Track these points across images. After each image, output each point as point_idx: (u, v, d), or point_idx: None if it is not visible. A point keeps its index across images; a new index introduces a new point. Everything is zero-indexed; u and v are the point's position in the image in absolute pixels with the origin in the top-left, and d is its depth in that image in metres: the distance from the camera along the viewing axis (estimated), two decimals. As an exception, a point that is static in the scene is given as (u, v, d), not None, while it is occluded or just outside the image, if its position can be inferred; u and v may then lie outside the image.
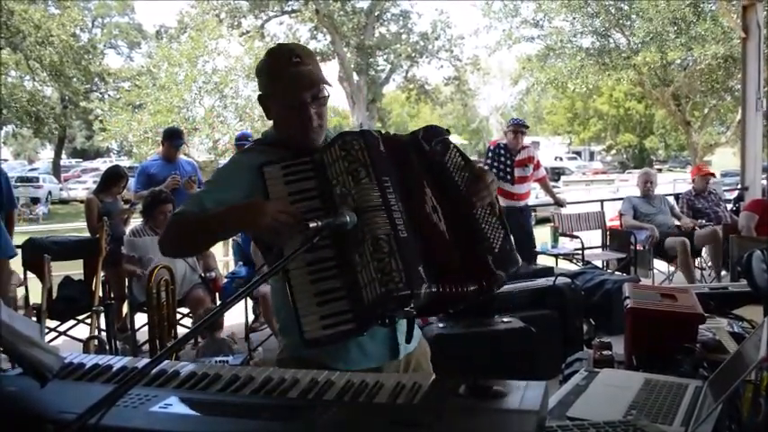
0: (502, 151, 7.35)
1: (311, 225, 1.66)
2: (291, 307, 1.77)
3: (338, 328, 1.73)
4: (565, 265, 7.53)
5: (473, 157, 2.01)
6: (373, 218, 1.73)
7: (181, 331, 5.00)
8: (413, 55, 29.14)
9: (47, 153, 41.42)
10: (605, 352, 2.87)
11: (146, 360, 1.83)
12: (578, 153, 41.18)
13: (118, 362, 1.75)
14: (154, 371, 1.57)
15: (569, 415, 1.86)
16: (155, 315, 4.12)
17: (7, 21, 23.14)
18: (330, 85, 1.97)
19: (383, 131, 1.95)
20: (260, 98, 2.02)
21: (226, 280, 5.86)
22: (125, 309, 5.95)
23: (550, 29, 20.52)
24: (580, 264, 7.40)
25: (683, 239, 7.37)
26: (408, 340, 1.93)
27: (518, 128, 7.40)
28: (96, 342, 4.61)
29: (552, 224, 8.06)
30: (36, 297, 5.42)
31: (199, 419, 1.38)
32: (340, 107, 32.07)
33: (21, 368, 1.64)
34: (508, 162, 7.30)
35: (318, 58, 2.11)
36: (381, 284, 1.67)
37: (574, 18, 20.01)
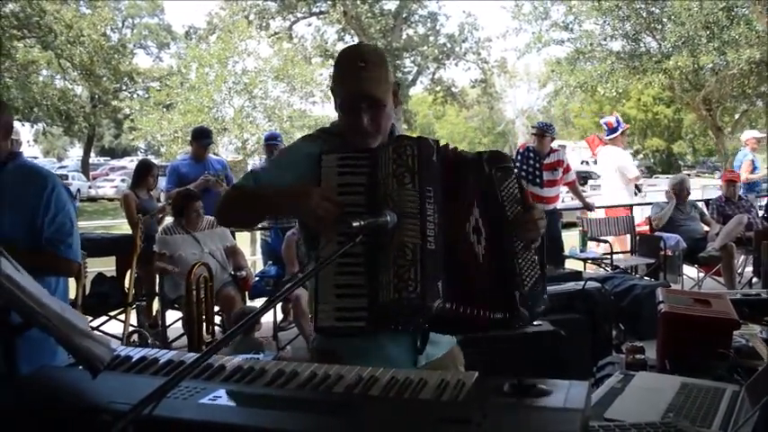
0: (531, 154, 7.35)
1: (354, 224, 1.69)
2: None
3: (350, 322, 1.78)
4: (592, 270, 7.49)
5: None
6: (406, 224, 1.75)
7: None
8: (440, 57, 29.14)
9: (76, 151, 42.01)
10: (638, 356, 2.87)
11: (189, 354, 1.87)
12: (605, 157, 40.76)
13: (163, 355, 1.80)
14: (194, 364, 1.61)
15: (607, 416, 1.87)
16: (193, 311, 4.17)
17: (39, 20, 23.49)
18: (390, 103, 1.98)
19: (443, 142, 1.95)
20: (331, 90, 2.05)
21: (256, 279, 5.92)
22: (155, 305, 6.04)
23: (580, 32, 20.38)
24: (608, 268, 7.35)
25: (729, 243, 7.29)
26: (421, 351, 1.95)
27: (543, 131, 7.39)
28: (137, 336, 4.66)
29: (581, 228, 8.02)
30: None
31: (248, 412, 1.41)
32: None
33: (73, 358, 1.69)
34: (537, 165, 7.29)
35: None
36: (396, 290, 1.70)
37: (604, 21, 19.87)
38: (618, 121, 8.49)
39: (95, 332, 1.63)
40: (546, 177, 7.29)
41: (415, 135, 2.00)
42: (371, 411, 1.40)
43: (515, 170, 2.02)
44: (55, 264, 2.57)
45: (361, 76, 1.92)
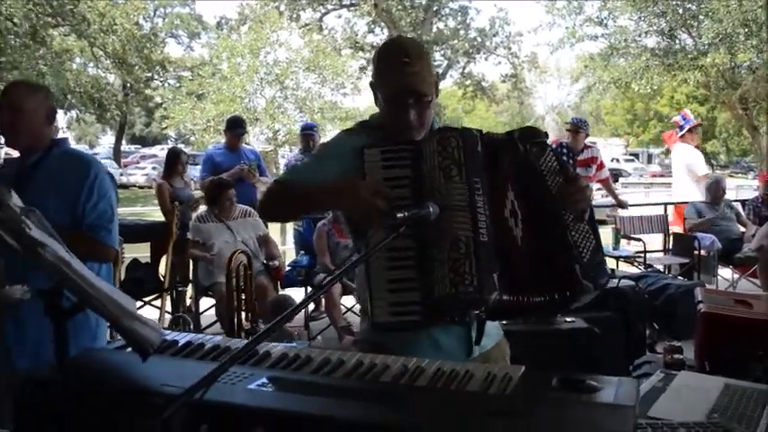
0: (564, 150, 7.26)
1: (398, 215, 1.69)
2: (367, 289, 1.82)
3: (405, 317, 1.78)
4: (624, 268, 7.41)
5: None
6: (457, 217, 1.75)
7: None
8: (470, 51, 28.98)
9: (107, 139, 42.50)
10: (676, 355, 2.84)
11: (233, 340, 1.89)
12: (635, 155, 40.30)
13: (209, 341, 1.82)
14: (245, 350, 1.62)
15: (650, 415, 1.85)
16: (232, 298, 4.21)
17: (73, 8, 23.73)
18: (434, 95, 1.97)
19: (482, 130, 1.92)
20: (371, 84, 2.04)
21: (288, 268, 5.96)
22: (188, 292, 6.11)
23: (615, 27, 20.10)
24: (641, 267, 7.27)
25: (766, 244, 7.16)
26: (477, 342, 1.95)
27: (577, 127, 7.30)
28: (181, 321, 4.70)
29: (614, 226, 7.94)
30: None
31: (295, 398, 1.42)
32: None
33: (124, 341, 1.71)
34: (570, 162, 7.21)
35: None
36: (452, 284, 1.70)
37: (639, 17, 19.58)
38: (684, 119, 8.31)
39: (144, 316, 1.65)
40: (580, 174, 7.21)
41: (483, 131, 1.94)
42: (418, 401, 1.40)
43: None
44: (94, 249, 2.60)
45: (407, 72, 1.90)
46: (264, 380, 1.49)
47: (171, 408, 1.20)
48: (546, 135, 1.98)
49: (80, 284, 1.52)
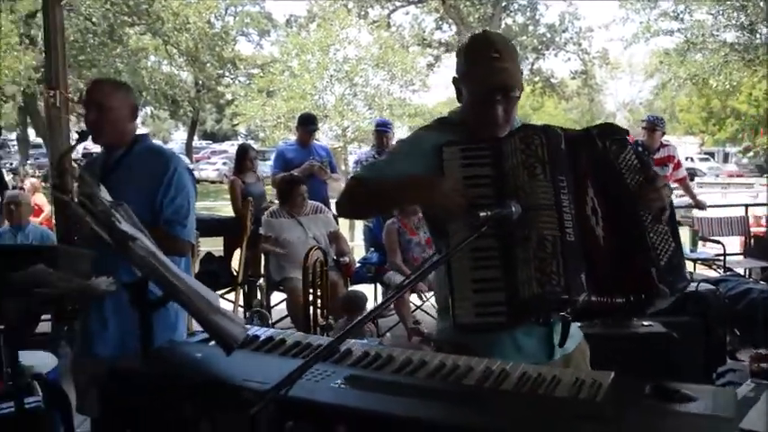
0: (639, 149, 7.07)
1: (481, 214, 1.66)
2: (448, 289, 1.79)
3: (489, 318, 1.75)
4: (702, 271, 7.16)
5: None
6: (542, 216, 1.72)
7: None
8: (539, 47, 28.51)
9: (179, 134, 43.58)
10: (763, 364, 2.72)
11: (313, 337, 1.90)
12: (711, 154, 38.95)
13: (289, 336, 1.83)
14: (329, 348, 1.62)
15: (743, 427, 1.77)
16: (308, 294, 4.25)
17: (148, 7, 24.44)
18: (521, 90, 1.93)
19: (562, 127, 1.89)
20: (454, 80, 2.01)
21: (357, 265, 5.97)
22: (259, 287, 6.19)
23: (691, 22, 19.47)
24: (720, 270, 7.01)
25: None
26: (561, 344, 1.89)
27: (653, 125, 7.08)
28: (259, 316, 4.77)
29: (691, 227, 7.68)
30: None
31: (378, 398, 1.41)
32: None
33: (208, 335, 1.74)
34: (645, 161, 7.02)
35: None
36: (539, 285, 1.67)
37: (718, 11, 18.91)
38: None
39: (229, 310, 1.67)
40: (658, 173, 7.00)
41: (564, 129, 1.90)
42: (505, 405, 1.38)
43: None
44: (170, 243, 2.61)
45: (496, 68, 1.87)
46: (347, 378, 1.49)
47: (260, 403, 1.21)
48: (626, 132, 1.93)
49: (168, 278, 1.54)
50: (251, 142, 20.83)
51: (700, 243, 7.74)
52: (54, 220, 7.01)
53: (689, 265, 7.11)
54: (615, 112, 40.87)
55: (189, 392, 1.56)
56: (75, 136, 3.26)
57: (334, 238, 5.70)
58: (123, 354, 2.56)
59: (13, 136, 33.03)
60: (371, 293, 5.75)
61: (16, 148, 31.23)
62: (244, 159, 6.56)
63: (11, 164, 24.92)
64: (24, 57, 21.45)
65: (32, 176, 15.77)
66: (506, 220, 1.71)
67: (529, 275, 1.68)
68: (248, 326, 1.88)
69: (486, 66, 1.87)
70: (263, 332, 1.85)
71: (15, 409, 2.66)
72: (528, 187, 1.75)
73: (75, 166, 3.66)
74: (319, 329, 4.21)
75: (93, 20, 24.06)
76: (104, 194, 1.73)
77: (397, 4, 27.67)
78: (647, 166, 1.89)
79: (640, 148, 7.04)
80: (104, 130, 2.70)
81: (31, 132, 30.84)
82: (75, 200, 2.64)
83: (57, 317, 4.84)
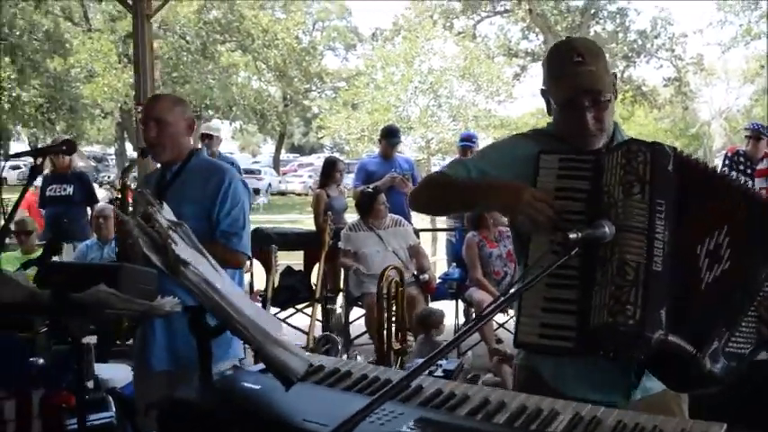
0: (741, 159, 6.69)
1: (571, 236, 1.49)
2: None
3: (555, 341, 1.63)
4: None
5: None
6: (629, 239, 1.55)
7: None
8: (629, 55, 27.70)
9: (268, 147, 44.60)
10: None
11: (380, 368, 1.75)
12: (816, 164, 36.75)
13: (356, 368, 1.69)
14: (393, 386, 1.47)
15: None
16: (383, 315, 4.12)
17: (239, 25, 25.20)
18: (612, 95, 1.79)
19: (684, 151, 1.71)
20: (541, 91, 1.90)
21: (438, 281, 5.82)
22: (338, 301, 6.12)
23: (796, 23, 18.49)
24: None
25: None
26: (636, 385, 1.72)
27: (758, 133, 6.66)
28: (328, 340, 4.70)
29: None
30: (259, 284, 5.72)
31: (451, 447, 1.25)
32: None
33: (267, 368, 1.62)
34: (747, 171, 6.60)
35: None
36: (610, 313, 1.51)
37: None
38: None
39: (290, 341, 1.54)
40: (758, 185, 6.54)
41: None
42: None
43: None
44: (226, 255, 2.59)
45: (580, 71, 1.75)
46: (417, 421, 1.33)
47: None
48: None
49: (224, 308, 1.44)
50: (336, 155, 21.06)
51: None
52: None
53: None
54: (710, 120, 39.03)
55: (247, 427, 1.46)
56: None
57: (415, 252, 5.58)
58: (177, 369, 2.58)
59: (112, 150, 34.57)
60: (452, 310, 5.58)
61: (114, 161, 32.64)
62: (332, 172, 6.52)
63: (108, 176, 26.01)
64: (123, 75, 22.49)
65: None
66: (599, 241, 1.55)
67: (602, 302, 1.52)
68: (313, 354, 1.76)
69: (569, 70, 1.75)
70: (327, 362, 1.72)
71: (86, 424, 2.64)
72: (622, 206, 1.58)
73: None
74: (393, 354, 4.06)
75: (187, 38, 25.01)
76: (166, 213, 1.64)
77: (483, 14, 27.46)
78: None
79: (742, 159, 6.64)
80: (164, 146, 2.70)
81: (129, 147, 32.25)
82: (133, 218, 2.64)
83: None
